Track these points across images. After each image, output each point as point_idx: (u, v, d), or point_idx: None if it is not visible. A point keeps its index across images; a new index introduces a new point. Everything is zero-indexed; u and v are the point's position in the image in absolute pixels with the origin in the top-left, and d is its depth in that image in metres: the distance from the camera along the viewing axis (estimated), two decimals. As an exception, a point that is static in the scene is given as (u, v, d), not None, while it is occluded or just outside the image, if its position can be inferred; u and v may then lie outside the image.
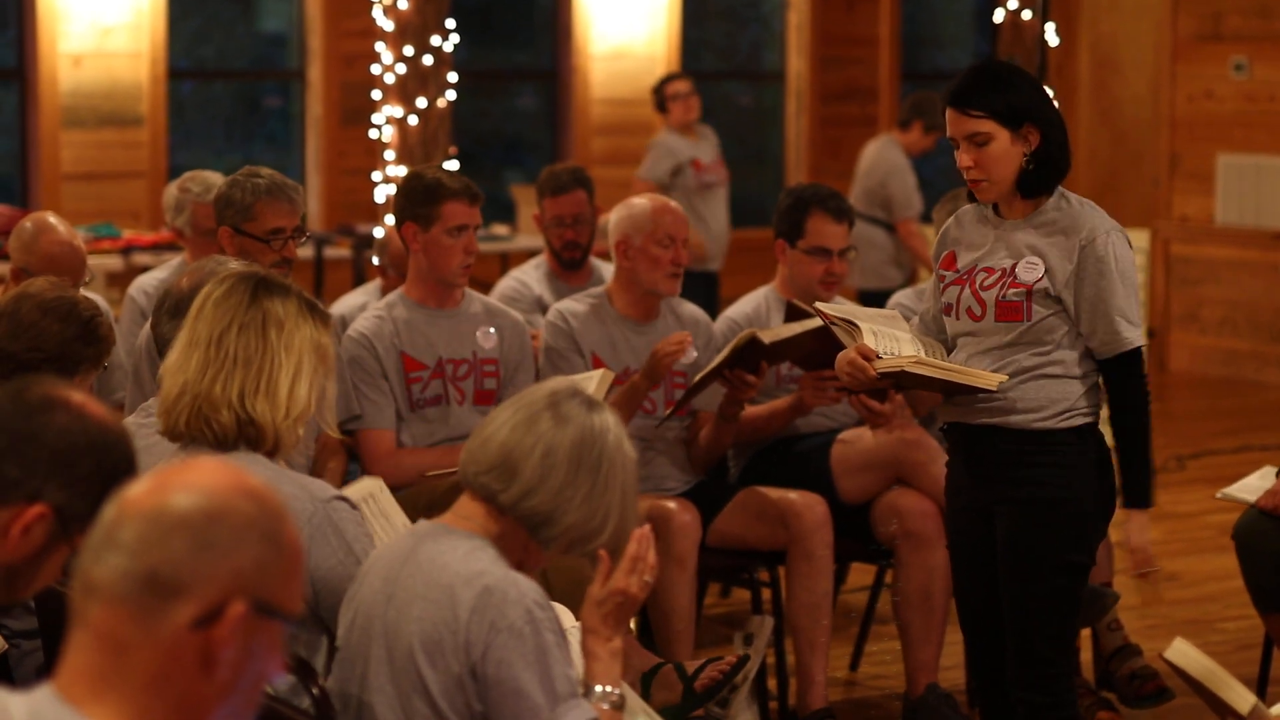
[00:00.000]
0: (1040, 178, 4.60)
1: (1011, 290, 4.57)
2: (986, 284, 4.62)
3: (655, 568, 3.44)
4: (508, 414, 3.38)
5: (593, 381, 5.23)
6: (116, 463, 2.72)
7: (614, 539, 3.37)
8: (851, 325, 4.71)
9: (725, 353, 5.79)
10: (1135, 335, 4.58)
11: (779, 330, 5.85)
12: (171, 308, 4.47)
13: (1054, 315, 4.57)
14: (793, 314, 5.99)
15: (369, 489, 4.53)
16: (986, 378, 4.55)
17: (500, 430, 3.36)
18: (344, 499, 3.85)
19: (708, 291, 10.63)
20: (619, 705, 3.39)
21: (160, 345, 4.50)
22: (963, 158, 4.60)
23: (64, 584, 3.59)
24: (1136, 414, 4.63)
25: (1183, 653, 4.13)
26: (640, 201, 6.06)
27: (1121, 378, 4.62)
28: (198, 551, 2.15)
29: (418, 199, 5.72)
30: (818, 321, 5.74)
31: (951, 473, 4.82)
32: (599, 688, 3.38)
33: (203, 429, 3.75)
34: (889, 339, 4.67)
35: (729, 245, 11.11)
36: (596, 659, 3.40)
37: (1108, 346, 4.58)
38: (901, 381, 4.69)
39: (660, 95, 11.21)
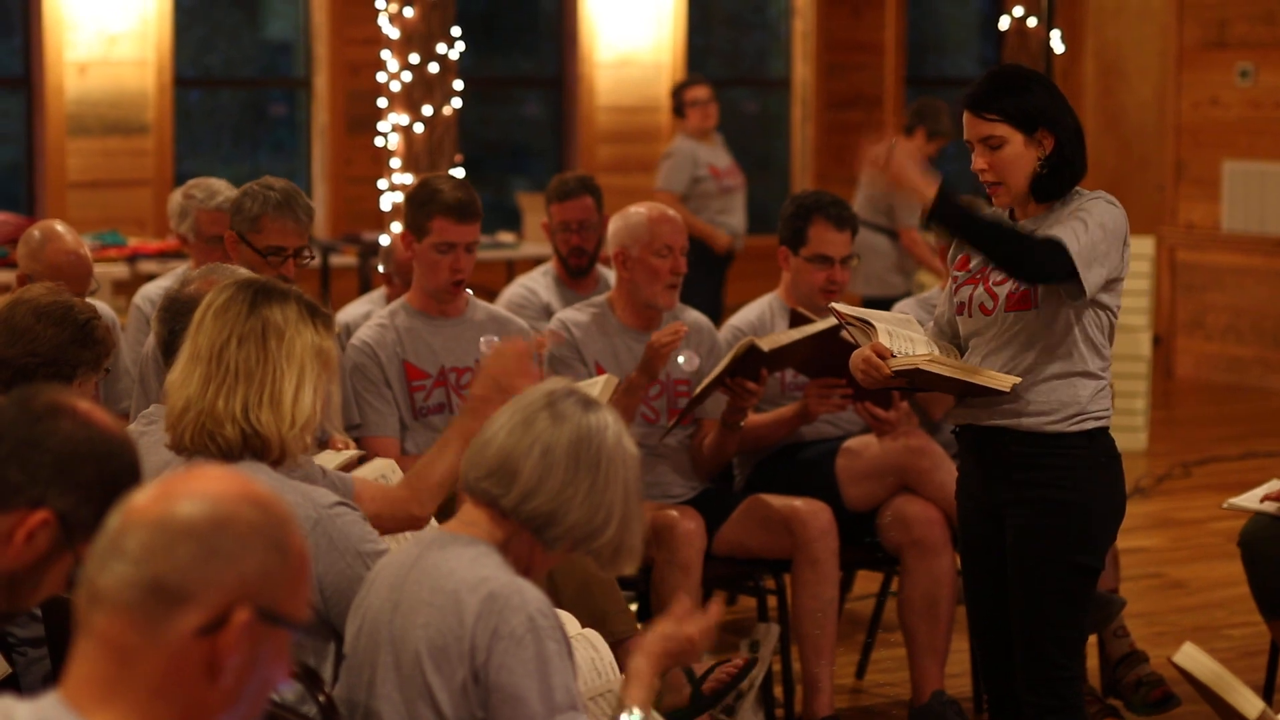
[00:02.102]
0: (1054, 182, 4.61)
1: (1024, 281, 4.58)
2: (999, 280, 4.63)
3: (712, 633, 3.53)
4: (505, 417, 3.37)
5: (596, 386, 5.23)
6: (120, 470, 2.72)
7: (618, 536, 3.36)
8: (866, 325, 4.72)
9: (725, 361, 5.79)
10: (1073, 244, 4.44)
11: (778, 337, 5.85)
12: (174, 311, 4.47)
13: (1065, 304, 4.56)
14: (796, 321, 5.99)
15: (380, 469, 4.57)
16: (1000, 379, 4.55)
17: (498, 434, 3.35)
18: (345, 503, 3.84)
19: (711, 279, 10.61)
20: None
21: (163, 349, 4.51)
22: (977, 160, 4.63)
23: (70, 592, 3.60)
24: (1008, 238, 4.49)
25: (1191, 657, 4.13)
26: (638, 211, 6.05)
27: (1034, 242, 4.49)
28: (203, 559, 2.15)
29: (415, 208, 5.74)
30: (816, 327, 5.75)
31: (963, 475, 4.83)
32: (630, 711, 3.39)
33: (206, 443, 3.74)
34: (904, 339, 4.68)
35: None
36: (640, 684, 3.43)
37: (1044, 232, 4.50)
38: (915, 381, 4.70)
39: (679, 100, 11.13)
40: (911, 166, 4.59)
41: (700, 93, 11.07)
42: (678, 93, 11.25)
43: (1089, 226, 4.50)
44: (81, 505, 2.70)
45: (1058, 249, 4.46)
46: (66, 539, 2.72)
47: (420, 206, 5.71)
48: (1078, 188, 4.67)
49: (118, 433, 2.78)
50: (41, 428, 2.73)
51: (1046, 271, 4.48)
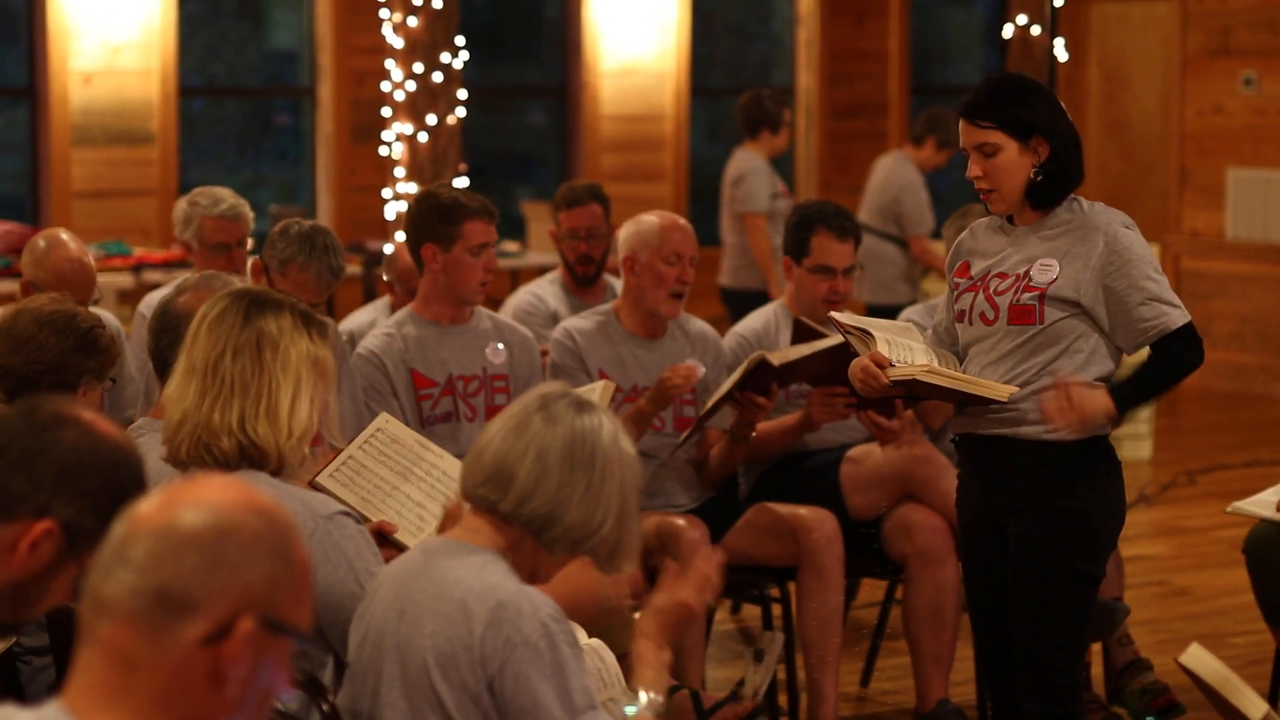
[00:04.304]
0: (1049, 189, 4.63)
1: (1026, 294, 4.59)
2: (1000, 289, 4.65)
3: (719, 586, 3.47)
4: (500, 423, 3.38)
5: (595, 392, 5.25)
6: (125, 480, 2.72)
7: (615, 535, 3.35)
8: (866, 334, 4.73)
9: (735, 376, 5.78)
10: (1178, 315, 4.59)
11: (788, 352, 5.85)
12: (166, 324, 4.47)
13: (1068, 319, 4.58)
14: (800, 330, 5.99)
15: (377, 424, 4.63)
16: (998, 389, 4.56)
17: (493, 440, 3.36)
18: (347, 514, 3.84)
19: None
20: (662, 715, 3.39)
21: (154, 360, 4.51)
22: (972, 168, 4.65)
23: (76, 601, 3.60)
24: (1168, 374, 4.66)
25: (1197, 658, 4.13)
26: (649, 218, 6.05)
27: (1175, 353, 4.62)
28: (208, 568, 2.16)
29: (437, 219, 5.73)
30: (827, 343, 5.75)
31: (963, 483, 4.83)
32: (645, 694, 3.38)
33: (203, 456, 3.73)
34: (903, 348, 4.69)
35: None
36: (647, 665, 3.41)
37: (1153, 331, 4.59)
38: (913, 390, 4.71)
39: (776, 115, 10.47)
40: (1089, 402, 4.57)
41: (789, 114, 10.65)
42: (773, 106, 10.52)
43: (1158, 277, 4.59)
44: (86, 515, 2.70)
45: (1192, 338, 4.63)
46: (70, 549, 2.72)
47: (444, 215, 5.73)
48: (1075, 195, 4.69)
49: (123, 443, 2.78)
50: (46, 437, 2.73)
51: (1198, 358, 4.68)
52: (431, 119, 10.09)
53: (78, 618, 2.21)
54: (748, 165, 10.37)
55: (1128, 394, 4.61)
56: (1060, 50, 9.67)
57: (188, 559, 2.16)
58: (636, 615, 6.23)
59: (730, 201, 10.39)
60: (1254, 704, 3.98)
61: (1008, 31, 12.84)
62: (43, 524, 2.71)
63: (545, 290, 7.18)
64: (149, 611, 2.14)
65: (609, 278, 7.27)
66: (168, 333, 4.42)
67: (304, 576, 2.23)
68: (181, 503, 2.20)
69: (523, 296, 7.21)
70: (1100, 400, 4.56)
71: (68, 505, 2.71)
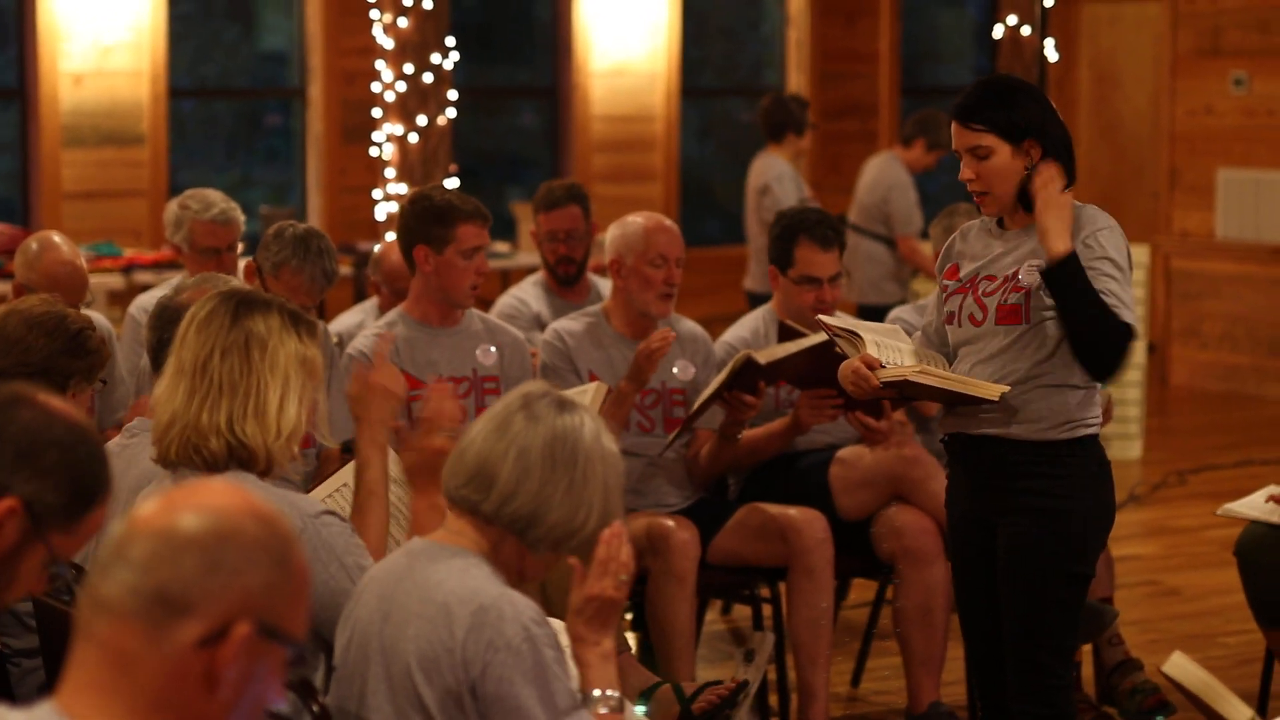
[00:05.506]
0: (1041, 192, 4.63)
1: (1013, 294, 4.60)
2: (989, 290, 4.65)
3: (630, 565, 3.40)
4: (482, 423, 3.37)
5: (587, 394, 5.25)
6: (83, 456, 2.72)
7: (598, 533, 3.35)
8: (854, 336, 4.73)
9: (723, 375, 5.79)
10: (1129, 315, 4.52)
11: (774, 350, 5.85)
12: (166, 320, 4.47)
13: (1054, 319, 4.58)
14: (785, 334, 5.99)
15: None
16: (988, 388, 4.57)
17: (475, 440, 3.35)
18: (332, 513, 3.84)
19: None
20: (618, 708, 3.38)
21: (154, 357, 4.51)
22: (965, 170, 4.65)
23: (66, 602, 3.59)
24: (1098, 332, 4.52)
25: (1180, 666, 4.14)
26: (634, 220, 6.05)
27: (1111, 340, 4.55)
28: (207, 571, 2.17)
29: (431, 221, 5.74)
30: (812, 340, 5.75)
31: (952, 484, 4.84)
32: (596, 692, 3.38)
33: (191, 456, 3.73)
34: (892, 350, 4.69)
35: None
36: (588, 666, 3.39)
37: None
38: (904, 391, 4.72)
39: (801, 119, 10.50)
40: (1068, 210, 4.56)
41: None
42: (796, 108, 10.53)
43: (1123, 280, 4.54)
44: (47, 492, 2.70)
45: (1128, 336, 4.51)
46: (35, 527, 2.72)
47: (438, 218, 5.73)
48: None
49: (79, 422, 2.77)
50: (2, 418, 2.73)
51: (1119, 365, 4.59)
52: (422, 120, 10.10)
53: (69, 620, 2.21)
54: (773, 173, 10.36)
55: (1075, 274, 4.51)
56: (1051, 51, 9.70)
57: (187, 560, 2.17)
58: (628, 616, 6.26)
59: (758, 209, 10.37)
60: (1239, 711, 3.98)
61: (998, 32, 12.86)
62: (4, 503, 2.71)
63: (528, 293, 7.18)
64: (147, 611, 2.15)
65: (593, 277, 7.26)
66: (170, 326, 4.42)
67: (302, 585, 2.23)
68: (183, 506, 2.21)
69: (506, 300, 7.20)
70: (1066, 229, 4.52)
71: (28, 482, 2.70)
